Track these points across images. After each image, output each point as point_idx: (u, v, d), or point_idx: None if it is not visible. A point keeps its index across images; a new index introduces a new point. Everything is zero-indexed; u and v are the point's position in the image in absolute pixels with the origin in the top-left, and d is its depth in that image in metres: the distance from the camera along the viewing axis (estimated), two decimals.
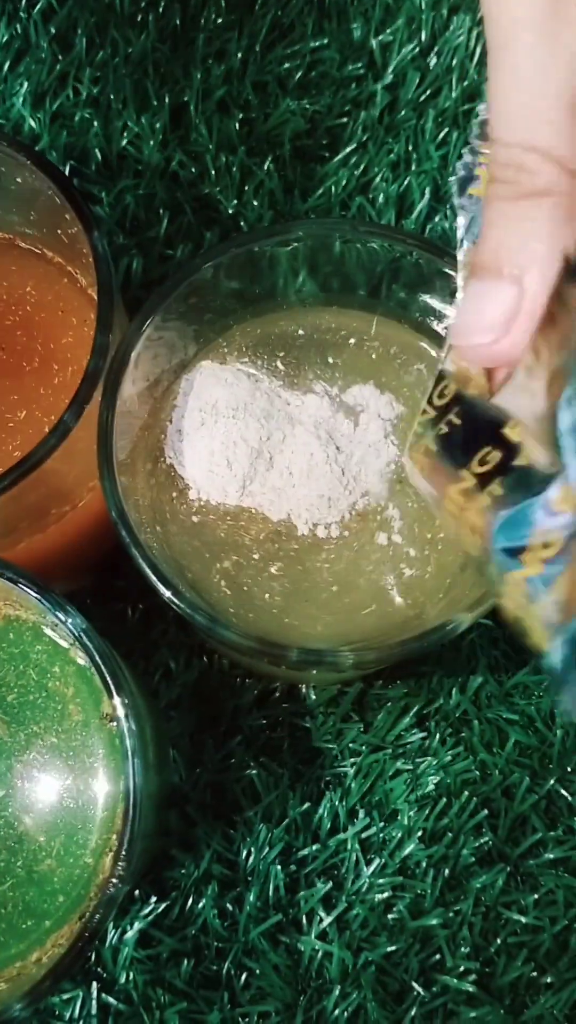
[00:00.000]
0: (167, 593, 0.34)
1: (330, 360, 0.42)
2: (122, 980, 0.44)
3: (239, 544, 0.39)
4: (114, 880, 0.33)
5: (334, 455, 0.38)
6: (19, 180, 0.40)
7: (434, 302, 0.42)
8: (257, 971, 0.44)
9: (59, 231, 0.41)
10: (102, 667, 0.33)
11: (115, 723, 0.34)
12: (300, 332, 0.42)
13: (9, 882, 0.35)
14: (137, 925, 0.44)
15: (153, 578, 0.34)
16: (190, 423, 0.39)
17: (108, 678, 0.34)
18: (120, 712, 0.34)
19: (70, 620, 0.34)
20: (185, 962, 0.44)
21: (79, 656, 0.36)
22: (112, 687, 0.34)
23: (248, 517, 0.39)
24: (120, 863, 0.33)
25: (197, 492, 0.39)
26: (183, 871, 0.45)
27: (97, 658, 0.33)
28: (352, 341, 0.42)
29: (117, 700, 0.34)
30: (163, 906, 0.45)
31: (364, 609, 0.38)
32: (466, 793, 0.46)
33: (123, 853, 0.33)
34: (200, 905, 0.45)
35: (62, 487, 0.38)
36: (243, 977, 0.44)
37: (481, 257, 0.27)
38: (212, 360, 0.41)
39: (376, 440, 0.39)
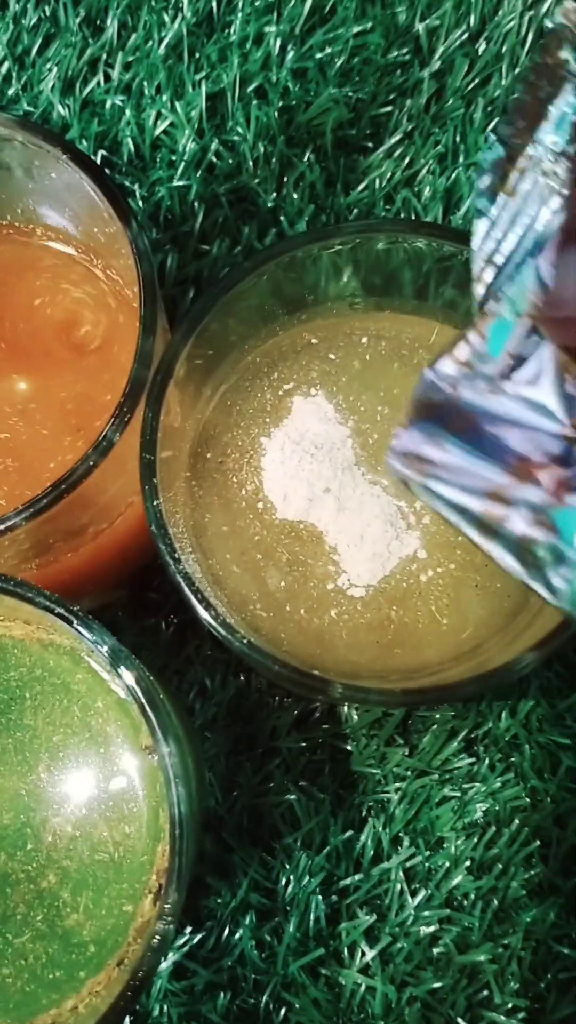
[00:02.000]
0: (208, 618, 0.32)
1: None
2: (155, 1013, 0.42)
3: (279, 564, 0.37)
4: (160, 923, 0.31)
5: (391, 537, 0.36)
6: (53, 175, 0.38)
7: None
8: (296, 1005, 0.42)
9: (95, 229, 0.38)
10: (142, 699, 0.31)
11: (155, 756, 0.32)
12: (351, 338, 0.40)
13: (28, 934, 0.33)
14: (171, 956, 0.43)
15: (195, 603, 0.32)
16: (272, 442, 0.37)
17: (148, 710, 0.31)
18: (163, 748, 0.31)
19: (106, 648, 0.32)
20: (221, 995, 0.42)
21: (116, 684, 0.34)
22: (153, 721, 0.31)
23: (288, 539, 0.37)
24: (168, 902, 0.31)
25: (252, 504, 0.37)
26: (219, 900, 0.43)
27: (138, 692, 0.31)
28: (404, 353, 0.40)
29: (159, 734, 0.32)
30: (198, 936, 0.43)
31: (413, 647, 0.36)
32: (516, 821, 0.44)
33: (171, 894, 0.31)
34: (237, 935, 0.43)
35: (100, 504, 0.36)
36: (282, 1012, 0.42)
37: None
38: (318, 391, 0.39)
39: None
